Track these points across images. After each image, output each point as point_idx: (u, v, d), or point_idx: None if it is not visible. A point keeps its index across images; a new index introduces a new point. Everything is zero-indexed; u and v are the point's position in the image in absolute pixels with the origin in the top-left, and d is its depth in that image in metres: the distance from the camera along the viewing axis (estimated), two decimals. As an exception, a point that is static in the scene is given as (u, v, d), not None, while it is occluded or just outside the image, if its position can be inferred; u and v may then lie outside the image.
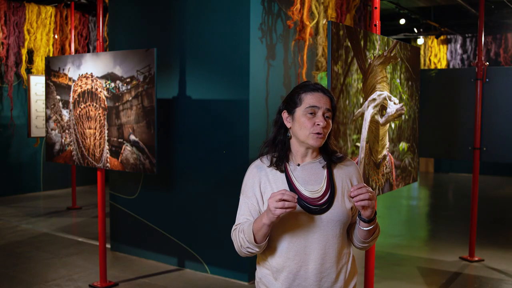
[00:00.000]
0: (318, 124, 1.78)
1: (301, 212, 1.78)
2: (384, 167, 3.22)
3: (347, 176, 1.88)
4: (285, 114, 1.88)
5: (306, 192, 1.80)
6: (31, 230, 6.38)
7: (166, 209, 5.03)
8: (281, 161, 1.85)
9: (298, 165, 1.86)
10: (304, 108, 1.81)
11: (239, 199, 1.95)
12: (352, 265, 1.88)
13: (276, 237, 1.82)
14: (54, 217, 7.24)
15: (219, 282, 4.55)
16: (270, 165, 1.86)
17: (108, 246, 5.46)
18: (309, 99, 1.82)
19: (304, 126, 1.80)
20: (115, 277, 4.61)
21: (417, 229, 6.86)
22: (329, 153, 1.89)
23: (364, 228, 1.78)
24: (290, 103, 1.86)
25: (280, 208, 1.60)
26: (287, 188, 1.81)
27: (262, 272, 1.89)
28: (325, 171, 1.86)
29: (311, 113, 1.80)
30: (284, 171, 1.84)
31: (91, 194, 8.95)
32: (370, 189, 1.68)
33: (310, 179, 1.83)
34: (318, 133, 1.79)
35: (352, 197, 1.67)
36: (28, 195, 9.00)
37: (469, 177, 10.77)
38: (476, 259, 5.21)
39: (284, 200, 1.60)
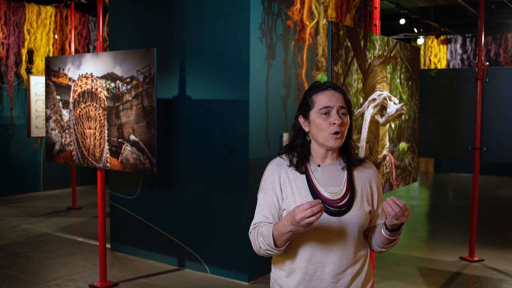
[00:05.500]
0: (334, 123, 1.77)
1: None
2: (384, 167, 3.22)
3: (367, 179, 1.87)
4: (301, 119, 1.86)
5: (326, 193, 1.79)
6: (31, 230, 6.38)
7: (166, 209, 5.03)
8: (301, 163, 1.84)
9: (319, 166, 1.85)
10: (317, 110, 1.80)
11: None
12: (368, 268, 1.87)
13: (294, 237, 1.79)
14: (54, 217, 7.24)
15: (219, 282, 4.55)
16: (290, 165, 1.85)
17: (108, 246, 5.46)
18: (320, 99, 1.80)
19: (321, 128, 1.79)
20: (115, 277, 4.61)
21: (417, 229, 6.87)
22: (349, 154, 1.87)
23: (386, 236, 1.78)
24: (304, 107, 1.85)
25: (310, 216, 1.56)
26: (308, 190, 1.80)
27: (277, 273, 1.88)
28: (345, 173, 1.84)
29: (325, 114, 1.78)
30: (305, 172, 1.83)
31: (91, 194, 8.95)
32: (403, 205, 1.65)
33: (330, 180, 1.82)
34: (336, 133, 1.77)
35: (387, 209, 1.65)
36: (28, 195, 9.00)
37: (469, 177, 10.77)
38: (476, 259, 5.21)
39: (313, 208, 1.56)
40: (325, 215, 1.76)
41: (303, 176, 1.82)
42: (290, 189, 1.81)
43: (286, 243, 1.73)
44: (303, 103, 1.86)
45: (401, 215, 1.65)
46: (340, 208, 1.77)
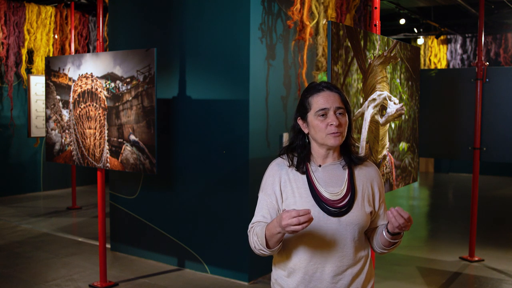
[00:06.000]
0: (331, 124, 1.77)
1: (320, 213, 1.76)
2: (384, 167, 3.22)
3: (368, 179, 1.87)
4: (300, 121, 1.87)
5: (326, 194, 1.79)
6: (31, 230, 6.38)
7: (166, 209, 5.03)
8: (301, 163, 1.84)
9: (320, 166, 1.85)
10: (314, 112, 1.80)
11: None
12: (369, 268, 1.86)
13: (294, 237, 1.80)
14: (54, 217, 7.24)
15: (219, 282, 4.55)
16: (291, 166, 1.85)
17: (108, 246, 5.46)
18: (316, 101, 1.80)
19: (319, 129, 1.79)
20: (115, 277, 4.61)
21: (417, 229, 6.87)
22: (350, 153, 1.87)
23: (388, 239, 1.78)
24: (302, 109, 1.85)
25: (295, 225, 1.56)
26: (308, 190, 1.80)
27: (277, 273, 1.88)
28: (346, 173, 1.84)
29: (322, 115, 1.78)
30: (306, 172, 1.83)
31: (91, 194, 8.95)
32: (408, 217, 1.65)
33: (331, 180, 1.82)
34: (334, 133, 1.77)
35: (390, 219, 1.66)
36: (28, 195, 9.00)
37: (469, 177, 10.78)
38: (476, 259, 5.21)
39: (300, 218, 1.56)
40: (325, 216, 1.76)
41: (304, 177, 1.82)
42: (291, 190, 1.81)
43: (279, 245, 1.73)
44: (301, 106, 1.86)
45: (404, 226, 1.66)
46: (340, 208, 1.77)
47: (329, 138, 1.78)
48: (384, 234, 1.78)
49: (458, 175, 12.28)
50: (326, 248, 1.77)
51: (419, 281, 4.64)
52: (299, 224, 1.55)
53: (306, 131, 1.86)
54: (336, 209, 1.77)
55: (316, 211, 1.76)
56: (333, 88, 1.84)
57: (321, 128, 1.78)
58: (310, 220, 1.56)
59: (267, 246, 1.73)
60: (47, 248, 5.55)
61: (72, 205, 7.89)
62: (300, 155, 1.85)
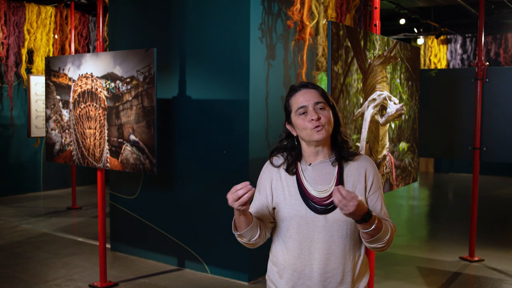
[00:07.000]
0: (312, 120, 1.78)
1: (308, 211, 1.79)
2: (384, 167, 3.22)
3: (359, 171, 1.84)
4: (288, 125, 1.90)
5: (314, 192, 1.80)
6: (31, 230, 6.38)
7: (166, 209, 5.03)
8: (292, 164, 1.86)
9: (310, 164, 1.86)
10: (295, 112, 1.83)
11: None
12: (361, 266, 1.85)
13: (284, 235, 1.84)
14: (54, 217, 7.24)
15: (219, 282, 4.56)
16: (280, 166, 1.88)
17: (108, 246, 5.46)
18: (294, 101, 1.84)
19: (302, 128, 1.81)
20: (115, 277, 4.61)
21: (417, 229, 6.87)
22: (341, 149, 1.86)
23: (360, 229, 1.72)
24: (286, 113, 1.90)
25: (236, 200, 1.64)
26: (297, 188, 1.83)
27: (271, 269, 1.93)
28: (335, 170, 1.83)
29: (303, 113, 1.81)
30: (295, 172, 1.85)
31: (91, 194, 8.95)
32: (344, 194, 1.56)
33: (320, 178, 1.83)
34: (316, 127, 1.78)
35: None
36: (28, 195, 9.00)
37: (469, 177, 10.77)
38: (476, 259, 5.21)
39: (238, 192, 1.64)
40: (311, 214, 1.78)
41: (294, 177, 1.86)
42: (281, 188, 1.86)
43: (248, 227, 1.78)
44: (285, 110, 1.90)
45: (344, 205, 1.56)
46: (326, 206, 1.78)
47: (312, 134, 1.79)
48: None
49: (458, 175, 12.28)
50: (314, 246, 1.79)
51: (419, 281, 4.64)
52: (238, 198, 1.63)
53: (294, 133, 1.88)
54: (323, 206, 1.78)
55: (303, 209, 1.79)
56: (310, 85, 1.86)
57: (304, 126, 1.80)
58: (249, 190, 1.63)
59: (235, 229, 1.81)
60: (47, 248, 5.55)
61: (72, 205, 7.89)
62: (289, 157, 1.88)
